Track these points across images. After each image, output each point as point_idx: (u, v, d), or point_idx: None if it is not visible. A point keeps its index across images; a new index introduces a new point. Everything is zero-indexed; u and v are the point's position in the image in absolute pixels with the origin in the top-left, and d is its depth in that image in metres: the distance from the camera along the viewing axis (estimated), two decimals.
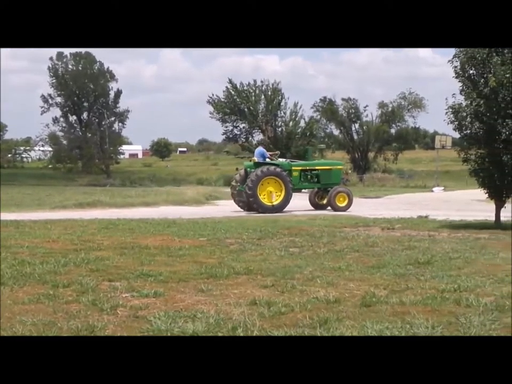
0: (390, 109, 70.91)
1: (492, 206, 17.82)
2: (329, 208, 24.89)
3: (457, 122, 16.43)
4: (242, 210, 24.36)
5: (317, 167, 26.24)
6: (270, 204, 23.84)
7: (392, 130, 73.24)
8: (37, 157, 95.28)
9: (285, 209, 23.99)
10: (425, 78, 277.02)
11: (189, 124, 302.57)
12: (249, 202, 23.81)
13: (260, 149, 25.88)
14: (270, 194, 23.95)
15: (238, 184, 24.36)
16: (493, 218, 17.27)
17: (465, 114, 16.14)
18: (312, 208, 25.61)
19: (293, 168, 25.45)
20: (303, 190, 27.41)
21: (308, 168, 26.18)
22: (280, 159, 26.68)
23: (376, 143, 71.44)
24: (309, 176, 26.00)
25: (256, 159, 24.87)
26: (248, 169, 24.47)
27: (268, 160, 24.94)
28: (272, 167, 24.22)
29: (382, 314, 6.76)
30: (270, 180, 24.03)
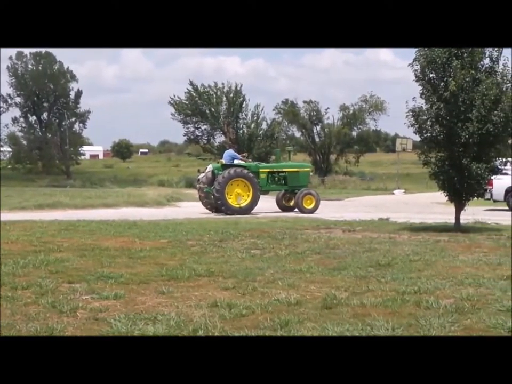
0: (351, 111, 71.39)
1: (451, 208, 17.99)
2: (296, 210, 24.91)
3: (417, 126, 16.57)
4: (208, 212, 24.28)
5: (284, 169, 26.18)
6: (237, 205, 23.78)
7: (354, 133, 73.87)
8: None
9: (252, 211, 23.96)
10: (386, 81, 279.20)
11: (151, 124, 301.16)
12: (217, 204, 23.74)
13: (230, 151, 25.78)
14: (237, 196, 23.93)
15: (206, 186, 24.25)
16: (453, 221, 17.42)
17: (425, 117, 16.29)
18: (279, 210, 25.63)
19: (261, 170, 25.45)
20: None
21: (275, 170, 26.19)
22: (249, 161, 26.70)
23: (338, 146, 71.81)
24: (276, 178, 25.98)
25: (224, 161, 24.83)
26: (216, 171, 24.39)
27: (239, 162, 24.94)
28: (240, 169, 24.18)
29: (343, 316, 6.78)
30: (237, 182, 24.00)
